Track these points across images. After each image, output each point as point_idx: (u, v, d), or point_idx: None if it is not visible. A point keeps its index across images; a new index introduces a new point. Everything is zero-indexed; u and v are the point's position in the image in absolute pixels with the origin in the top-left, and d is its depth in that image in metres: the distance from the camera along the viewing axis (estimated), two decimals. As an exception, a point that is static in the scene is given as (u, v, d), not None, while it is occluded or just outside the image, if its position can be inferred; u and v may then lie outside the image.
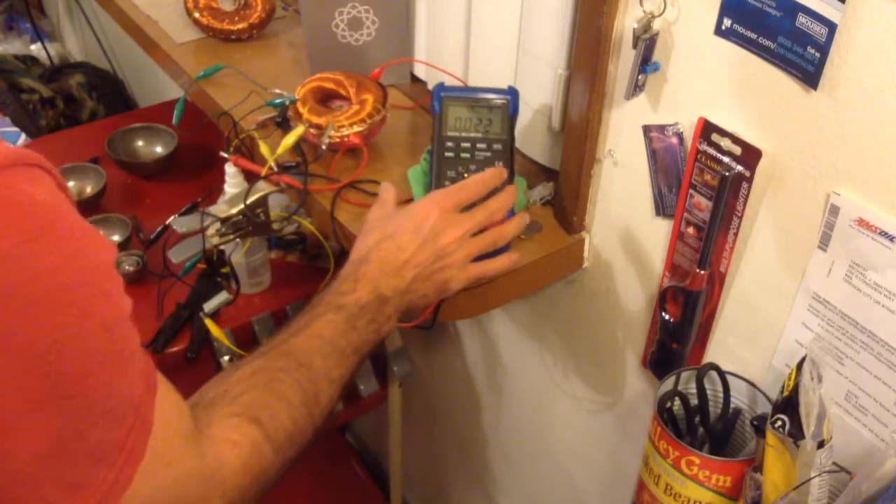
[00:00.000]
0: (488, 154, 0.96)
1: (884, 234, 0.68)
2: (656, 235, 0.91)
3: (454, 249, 0.84)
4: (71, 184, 1.51)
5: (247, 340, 1.25)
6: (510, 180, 0.91)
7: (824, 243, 0.74)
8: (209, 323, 1.20)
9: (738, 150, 0.77)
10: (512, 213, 0.90)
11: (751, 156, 0.76)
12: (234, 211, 1.05)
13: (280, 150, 1.03)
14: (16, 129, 2.20)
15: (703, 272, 0.85)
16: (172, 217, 1.11)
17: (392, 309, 0.83)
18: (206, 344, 1.22)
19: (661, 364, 0.96)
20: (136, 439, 0.57)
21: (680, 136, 0.83)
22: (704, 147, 0.80)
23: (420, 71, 1.22)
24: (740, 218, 0.80)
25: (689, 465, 0.80)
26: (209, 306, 1.22)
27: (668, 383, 0.87)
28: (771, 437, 0.74)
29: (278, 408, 0.71)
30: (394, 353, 1.40)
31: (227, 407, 0.69)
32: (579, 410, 1.19)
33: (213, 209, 1.06)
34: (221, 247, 1.13)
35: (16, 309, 0.50)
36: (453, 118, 0.97)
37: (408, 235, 0.83)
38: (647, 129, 0.86)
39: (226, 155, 1.10)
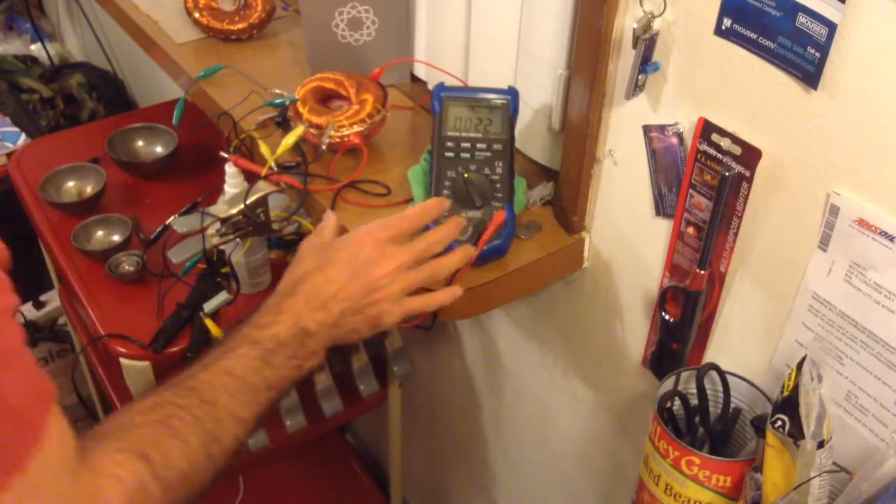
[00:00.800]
0: (488, 154, 0.96)
1: (884, 234, 0.68)
2: (656, 235, 0.91)
3: (387, 283, 0.81)
4: (71, 184, 1.51)
5: (247, 340, 1.25)
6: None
7: (824, 243, 0.74)
8: (209, 323, 1.20)
9: (738, 150, 0.77)
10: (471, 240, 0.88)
11: (751, 156, 0.76)
12: (234, 211, 1.05)
13: (280, 150, 1.03)
14: (16, 129, 2.20)
15: (703, 272, 0.85)
16: (172, 217, 1.11)
17: (317, 344, 0.80)
18: (206, 344, 1.22)
19: (661, 364, 0.96)
20: (18, 447, 0.54)
21: (680, 136, 0.83)
22: (704, 147, 0.80)
23: (420, 71, 1.22)
24: (740, 218, 0.80)
25: (689, 465, 0.80)
26: (209, 306, 1.22)
27: (668, 383, 0.87)
28: (771, 437, 0.74)
29: (172, 445, 0.68)
30: (394, 353, 1.40)
31: (118, 441, 0.66)
32: (579, 410, 1.19)
33: (213, 209, 1.06)
34: (221, 247, 1.13)
35: None
36: (453, 118, 0.97)
37: (339, 267, 0.80)
38: (647, 129, 0.86)
39: (226, 155, 1.10)
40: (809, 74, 0.68)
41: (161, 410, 0.70)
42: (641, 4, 0.79)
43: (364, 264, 0.80)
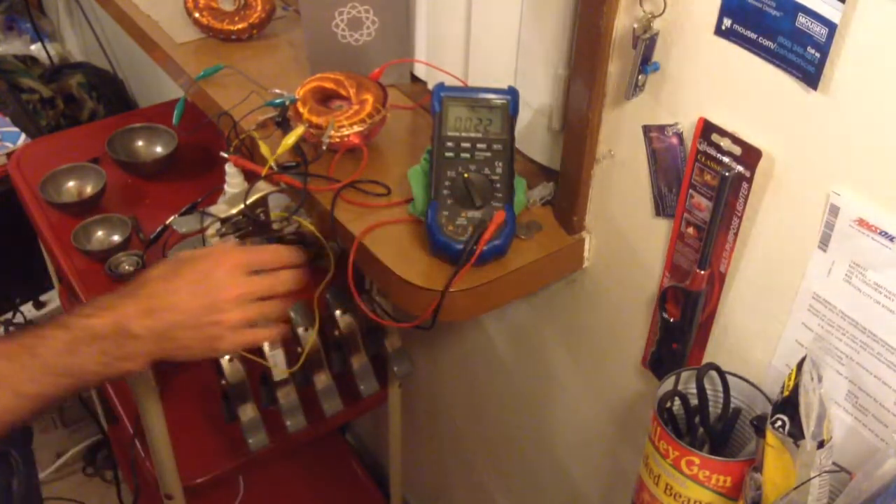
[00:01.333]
0: (488, 154, 0.96)
1: (884, 234, 0.68)
2: (656, 235, 0.91)
3: (231, 308, 0.81)
4: (71, 184, 1.51)
5: (247, 340, 1.25)
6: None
7: (824, 243, 0.74)
8: (209, 323, 1.20)
9: (738, 150, 0.77)
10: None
11: (751, 156, 0.76)
12: (234, 211, 1.05)
13: (280, 150, 1.03)
14: (16, 129, 2.20)
15: (703, 272, 0.85)
16: (172, 217, 1.11)
17: (140, 348, 0.79)
18: (206, 344, 1.22)
19: (661, 364, 0.96)
20: None
21: (680, 136, 0.83)
22: (704, 147, 0.80)
23: (420, 71, 1.22)
24: (740, 218, 0.80)
25: (689, 465, 0.80)
26: (209, 306, 1.22)
27: (668, 383, 0.87)
28: (771, 437, 0.74)
29: None
30: (394, 353, 1.40)
31: None
32: (579, 410, 1.19)
33: (213, 209, 1.06)
34: (221, 247, 1.13)
35: None
36: (453, 118, 0.97)
37: (186, 280, 0.80)
38: (647, 129, 0.86)
39: (226, 155, 1.10)
40: (809, 74, 0.68)
41: None
42: (641, 4, 0.79)
43: (214, 284, 0.80)
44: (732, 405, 0.86)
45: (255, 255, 0.84)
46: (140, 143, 1.60)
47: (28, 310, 2.11)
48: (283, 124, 1.10)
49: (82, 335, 0.77)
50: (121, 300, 0.79)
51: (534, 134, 1.04)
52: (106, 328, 0.77)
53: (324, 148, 1.04)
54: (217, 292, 0.80)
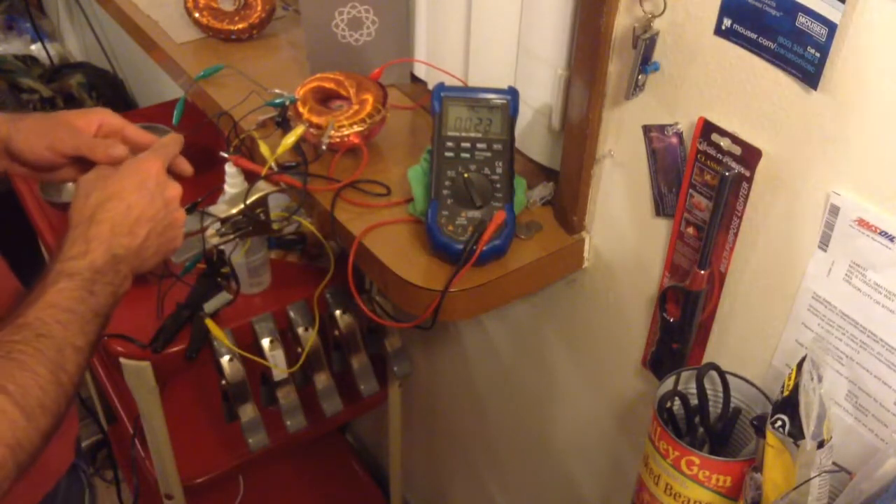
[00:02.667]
0: (488, 154, 0.96)
1: (884, 234, 0.68)
2: (656, 235, 0.91)
3: (178, 205, 0.85)
4: (71, 184, 1.50)
5: (247, 340, 1.25)
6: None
7: (824, 243, 0.74)
8: (209, 323, 1.20)
9: (738, 150, 0.77)
10: None
11: (751, 156, 0.76)
12: (234, 211, 1.05)
13: (280, 150, 1.03)
14: (16, 129, 2.19)
15: (703, 272, 0.85)
16: (172, 217, 1.10)
17: (127, 268, 0.81)
18: (206, 344, 1.22)
19: (661, 364, 0.96)
20: None
21: (680, 136, 0.83)
22: (704, 147, 0.80)
23: (420, 71, 1.22)
24: (740, 218, 0.80)
25: (689, 465, 0.80)
26: (209, 306, 1.21)
27: (668, 383, 0.87)
28: (771, 437, 0.74)
29: (23, 376, 0.69)
30: (394, 353, 1.40)
31: None
32: (579, 410, 1.19)
33: (213, 209, 1.06)
34: (221, 247, 1.13)
35: None
36: (453, 118, 0.97)
37: (134, 193, 0.82)
38: (647, 129, 0.86)
39: (226, 155, 1.10)
40: (809, 74, 0.68)
41: (0, 349, 0.71)
42: (641, 4, 0.79)
43: (156, 187, 0.83)
44: (732, 405, 0.86)
45: (166, 153, 0.87)
46: (140, 143, 1.60)
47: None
48: (283, 124, 1.10)
49: (89, 275, 0.78)
50: (95, 231, 0.80)
51: (534, 134, 1.04)
52: (104, 260, 0.79)
53: (324, 148, 1.04)
54: (164, 192, 0.84)
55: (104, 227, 0.80)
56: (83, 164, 0.87)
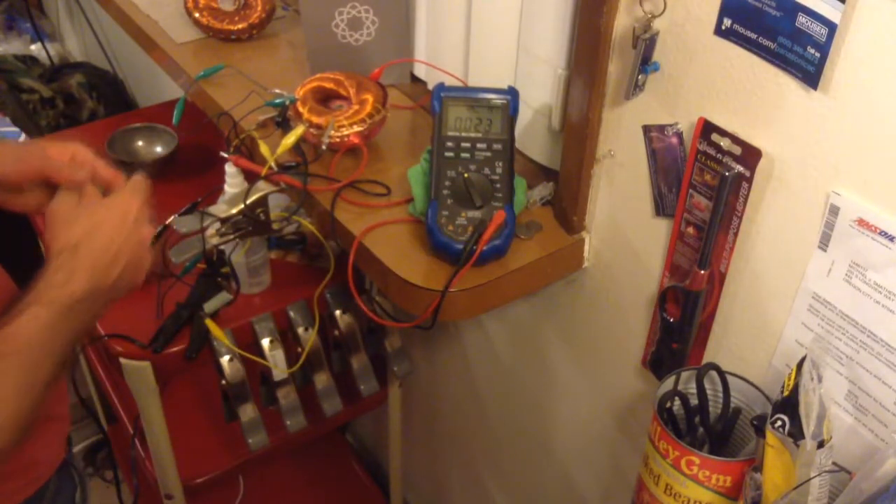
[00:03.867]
0: (488, 154, 0.96)
1: (884, 234, 0.68)
2: (656, 235, 0.91)
3: (149, 244, 0.88)
4: (70, 184, 1.51)
5: (247, 340, 1.25)
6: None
7: (824, 243, 0.74)
8: (209, 323, 1.20)
9: (738, 150, 0.77)
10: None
11: (751, 156, 0.76)
12: (234, 211, 1.05)
13: (280, 150, 1.03)
14: (16, 129, 2.20)
15: (703, 272, 0.85)
16: (172, 217, 1.10)
17: (102, 300, 0.83)
18: (206, 344, 1.22)
19: (661, 364, 0.96)
20: None
21: (680, 136, 0.83)
22: (704, 147, 0.80)
23: (420, 71, 1.22)
24: (740, 218, 0.80)
25: (689, 465, 0.80)
26: (209, 306, 1.22)
27: (668, 383, 0.87)
28: (771, 437, 0.74)
29: None
30: (394, 353, 1.40)
31: None
32: (579, 410, 1.19)
33: (213, 209, 1.06)
34: (221, 247, 1.13)
35: None
36: (453, 118, 0.97)
37: (116, 228, 0.84)
38: (647, 129, 0.86)
39: (226, 155, 1.10)
40: (809, 74, 0.68)
41: None
42: (641, 4, 0.79)
43: (134, 225, 0.86)
44: (732, 405, 0.86)
45: (144, 190, 0.91)
46: (140, 143, 1.60)
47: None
48: (283, 124, 1.10)
49: (69, 303, 0.79)
50: (78, 261, 0.81)
51: (534, 134, 1.04)
52: (85, 289, 0.80)
53: (324, 148, 1.04)
54: (140, 229, 0.87)
55: (87, 259, 0.81)
56: (47, 192, 0.88)
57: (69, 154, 0.91)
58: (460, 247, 0.90)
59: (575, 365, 1.16)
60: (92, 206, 0.86)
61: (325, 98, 1.10)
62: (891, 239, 0.68)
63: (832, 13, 0.65)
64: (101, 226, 0.83)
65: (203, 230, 1.05)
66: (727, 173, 0.78)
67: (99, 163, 0.92)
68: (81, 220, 0.84)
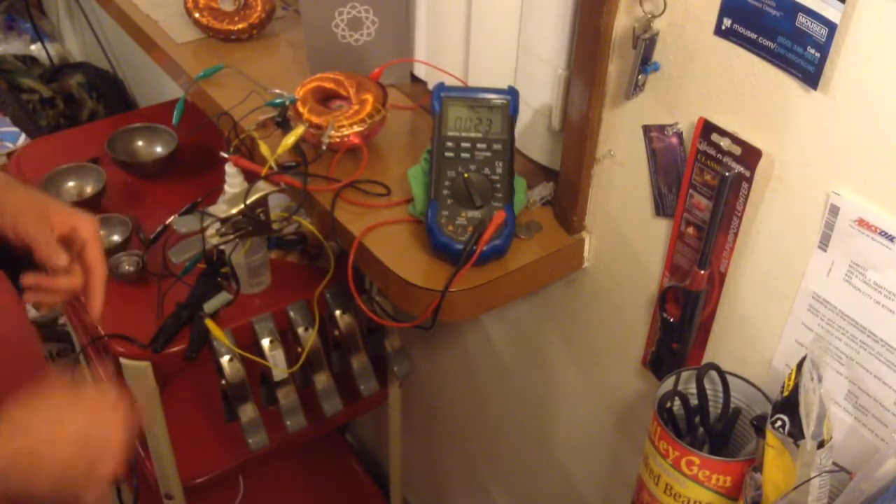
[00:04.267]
0: (488, 154, 0.96)
1: (884, 234, 0.68)
2: (656, 235, 0.91)
3: (110, 466, 0.76)
4: (71, 184, 1.51)
5: (247, 340, 1.25)
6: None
7: (824, 243, 0.74)
8: (209, 323, 1.20)
9: (738, 150, 0.77)
10: None
11: (751, 156, 0.76)
12: (234, 211, 1.06)
13: (280, 150, 1.03)
14: (16, 129, 2.20)
15: (703, 272, 0.85)
16: (172, 217, 1.11)
17: (11, 488, 0.73)
18: (206, 344, 1.22)
19: (661, 364, 0.96)
20: None
21: (680, 136, 0.83)
22: (704, 147, 0.80)
23: (420, 71, 1.22)
24: (740, 218, 0.80)
25: (689, 465, 0.80)
26: (209, 306, 1.22)
27: (668, 383, 0.87)
28: (771, 437, 0.74)
29: None
30: (394, 353, 1.40)
31: None
32: (579, 410, 1.19)
33: (213, 209, 1.06)
34: (221, 247, 1.13)
35: None
36: (453, 118, 0.97)
37: (70, 438, 0.74)
38: (647, 129, 0.86)
39: (226, 155, 1.10)
40: (809, 74, 0.68)
41: None
42: (641, 4, 0.79)
43: (99, 442, 0.76)
44: (732, 405, 0.86)
45: (126, 405, 0.79)
46: (140, 143, 1.60)
47: (28, 309, 2.11)
48: (283, 124, 1.10)
49: None
50: (20, 439, 0.73)
51: (534, 134, 1.04)
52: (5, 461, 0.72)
53: (324, 148, 1.04)
54: (102, 448, 0.76)
55: (16, 438, 0.72)
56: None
57: (70, 226, 0.87)
58: (460, 247, 0.90)
59: (575, 365, 1.16)
60: (76, 398, 0.76)
61: (325, 98, 1.10)
62: (891, 239, 0.68)
63: (832, 13, 0.65)
64: (55, 425, 0.74)
65: (203, 230, 1.05)
66: (727, 173, 0.78)
67: (92, 247, 0.88)
68: (54, 405, 0.75)
